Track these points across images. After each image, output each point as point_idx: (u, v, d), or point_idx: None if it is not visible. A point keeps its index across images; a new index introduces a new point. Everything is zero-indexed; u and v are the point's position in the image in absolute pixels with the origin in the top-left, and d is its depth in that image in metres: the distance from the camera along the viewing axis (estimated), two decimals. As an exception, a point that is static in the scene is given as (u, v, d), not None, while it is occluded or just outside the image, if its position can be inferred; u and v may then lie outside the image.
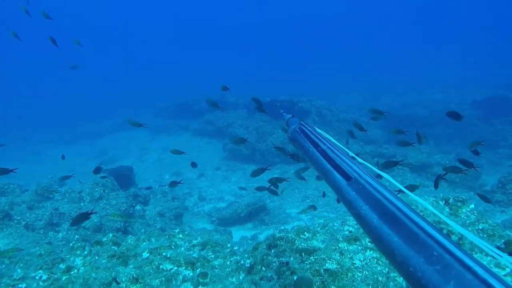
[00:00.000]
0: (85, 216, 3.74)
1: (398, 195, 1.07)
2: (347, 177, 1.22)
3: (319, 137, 1.60)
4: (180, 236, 4.06)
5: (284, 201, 11.76)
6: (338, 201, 5.03)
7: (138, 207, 9.91)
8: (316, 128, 1.74)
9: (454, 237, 3.10)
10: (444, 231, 3.10)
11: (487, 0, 79.42)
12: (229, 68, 56.90)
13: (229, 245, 4.00)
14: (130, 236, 4.02)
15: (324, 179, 1.37)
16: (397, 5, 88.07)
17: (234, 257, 3.51)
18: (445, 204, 3.74)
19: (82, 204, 8.89)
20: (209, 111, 22.93)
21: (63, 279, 3.13)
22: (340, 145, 1.51)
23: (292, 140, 1.84)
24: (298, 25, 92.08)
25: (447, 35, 74.42)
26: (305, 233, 3.42)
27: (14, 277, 3.13)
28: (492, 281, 0.68)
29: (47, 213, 7.99)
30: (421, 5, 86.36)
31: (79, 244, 4.34)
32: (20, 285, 3.03)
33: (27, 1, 11.22)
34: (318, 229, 3.52)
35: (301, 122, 1.88)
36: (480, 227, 3.28)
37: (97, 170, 7.74)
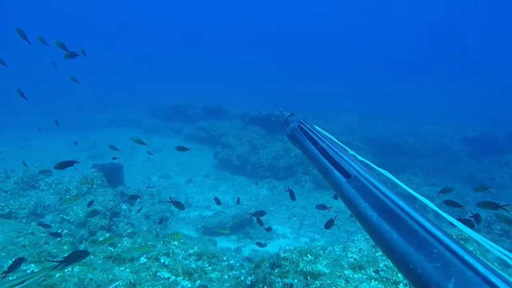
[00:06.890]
0: None
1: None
2: (346, 174, 1.21)
3: (318, 135, 1.60)
4: (176, 243, 3.96)
5: (271, 216, 11.68)
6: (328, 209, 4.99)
7: (124, 206, 9.72)
8: (315, 126, 1.73)
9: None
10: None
11: (489, 33, 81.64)
12: (228, 79, 57.14)
13: (225, 258, 3.92)
14: (125, 238, 3.90)
15: (323, 177, 1.37)
16: (402, 35, 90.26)
17: (233, 271, 3.43)
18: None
19: (68, 196, 8.67)
20: (204, 117, 22.95)
21: (56, 276, 2.99)
22: (339, 143, 1.51)
23: (291, 138, 1.83)
24: (301, 42, 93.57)
25: (448, 68, 76.27)
26: (308, 255, 3.36)
27: (5, 268, 2.99)
28: (493, 278, 0.68)
29: (32, 202, 7.74)
30: (426, 37, 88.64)
31: (67, 239, 4.21)
32: (10, 278, 2.89)
33: None
34: (320, 252, 3.47)
35: (300, 120, 1.86)
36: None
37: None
